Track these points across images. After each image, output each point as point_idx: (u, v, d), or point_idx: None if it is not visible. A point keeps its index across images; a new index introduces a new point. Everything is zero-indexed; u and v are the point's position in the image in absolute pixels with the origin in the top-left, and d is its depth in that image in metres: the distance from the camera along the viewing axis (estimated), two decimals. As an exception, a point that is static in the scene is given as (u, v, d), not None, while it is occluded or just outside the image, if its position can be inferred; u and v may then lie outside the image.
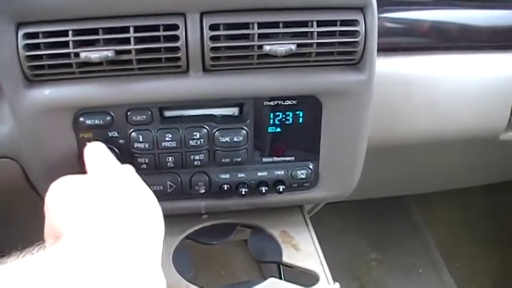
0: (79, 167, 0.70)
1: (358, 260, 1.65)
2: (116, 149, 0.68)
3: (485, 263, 1.59)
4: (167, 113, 0.69)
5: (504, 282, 1.55)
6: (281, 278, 0.82)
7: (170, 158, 0.70)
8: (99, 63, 0.63)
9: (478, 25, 0.86)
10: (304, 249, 0.77)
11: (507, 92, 0.89)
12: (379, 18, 0.68)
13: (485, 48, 0.86)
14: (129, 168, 0.58)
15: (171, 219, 0.82)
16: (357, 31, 0.67)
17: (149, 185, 0.72)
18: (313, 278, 0.72)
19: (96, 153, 0.61)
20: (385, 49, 0.76)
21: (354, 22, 0.67)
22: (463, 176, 1.21)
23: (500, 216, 1.59)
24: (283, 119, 0.71)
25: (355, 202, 1.56)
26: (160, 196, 0.73)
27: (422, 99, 0.85)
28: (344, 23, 0.66)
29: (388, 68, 0.80)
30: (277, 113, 0.71)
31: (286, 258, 0.75)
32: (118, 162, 0.60)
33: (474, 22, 0.86)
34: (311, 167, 0.75)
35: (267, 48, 0.65)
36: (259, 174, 0.74)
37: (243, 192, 0.74)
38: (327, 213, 1.10)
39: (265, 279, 0.71)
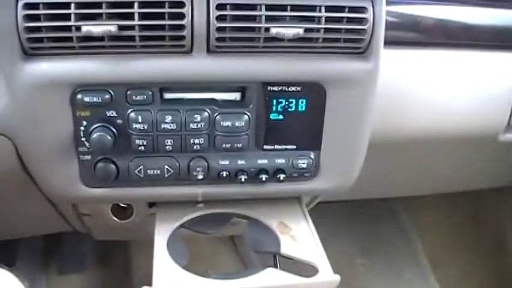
0: (74, 147, 0.68)
1: (346, 264, 1.63)
2: (113, 129, 0.66)
3: (471, 270, 1.59)
4: (167, 95, 0.67)
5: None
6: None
7: (169, 140, 0.68)
8: (101, 39, 0.61)
9: (482, 23, 0.85)
10: (302, 240, 0.75)
11: (508, 92, 0.88)
12: (384, 10, 0.67)
13: (488, 47, 0.85)
14: None
15: (166, 206, 0.81)
16: (364, 18, 0.66)
17: (146, 169, 0.70)
18: (311, 269, 0.70)
19: None
20: (388, 42, 0.75)
21: (362, 9, 0.66)
22: (456, 180, 1.20)
23: (487, 223, 1.59)
24: (286, 106, 0.70)
25: (345, 206, 1.56)
26: (157, 181, 0.72)
27: (423, 94, 0.84)
28: (352, 9, 0.66)
29: (390, 60, 0.79)
30: (280, 100, 0.69)
31: (284, 250, 0.73)
32: None
33: (478, 20, 0.85)
34: (312, 156, 0.74)
35: (273, 31, 0.63)
36: (260, 162, 0.73)
37: (242, 180, 0.72)
38: (317, 216, 1.09)
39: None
